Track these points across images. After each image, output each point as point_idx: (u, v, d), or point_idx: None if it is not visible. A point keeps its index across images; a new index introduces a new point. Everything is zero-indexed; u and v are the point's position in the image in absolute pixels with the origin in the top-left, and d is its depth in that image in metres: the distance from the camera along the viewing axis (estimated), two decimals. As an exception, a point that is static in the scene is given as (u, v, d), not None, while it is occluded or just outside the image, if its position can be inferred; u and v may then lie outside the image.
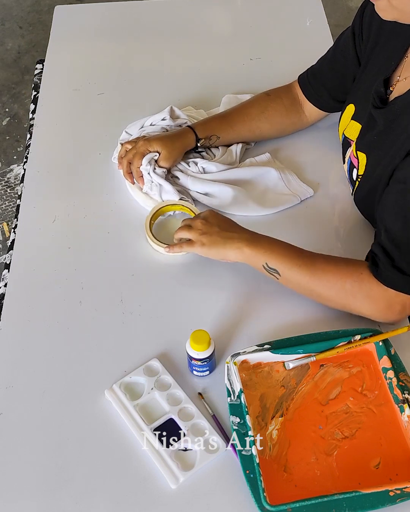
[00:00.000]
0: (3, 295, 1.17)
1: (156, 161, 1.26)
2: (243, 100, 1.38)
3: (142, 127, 1.35)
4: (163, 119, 1.35)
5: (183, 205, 1.23)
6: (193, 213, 1.22)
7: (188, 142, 1.29)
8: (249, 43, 1.61)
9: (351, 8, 3.12)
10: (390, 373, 1.00)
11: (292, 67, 1.40)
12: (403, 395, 0.98)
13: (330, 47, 1.30)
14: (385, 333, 1.04)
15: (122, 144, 1.32)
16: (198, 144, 1.29)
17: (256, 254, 1.07)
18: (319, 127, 1.40)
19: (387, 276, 1.00)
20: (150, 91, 1.48)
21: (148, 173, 1.24)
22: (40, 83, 1.55)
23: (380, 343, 1.03)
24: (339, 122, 1.27)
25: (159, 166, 1.26)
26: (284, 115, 1.34)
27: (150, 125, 1.35)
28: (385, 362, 1.02)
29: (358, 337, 1.04)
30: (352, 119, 1.21)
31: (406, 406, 0.97)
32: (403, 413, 0.97)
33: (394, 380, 1.00)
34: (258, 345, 1.03)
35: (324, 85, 1.30)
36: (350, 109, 1.22)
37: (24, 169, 1.37)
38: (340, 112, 1.27)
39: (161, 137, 1.27)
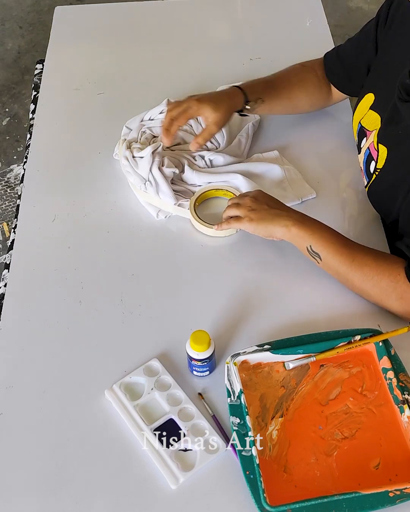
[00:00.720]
0: (3, 295, 1.17)
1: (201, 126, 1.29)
2: None
3: (142, 121, 1.35)
4: (161, 112, 1.34)
5: (228, 190, 1.24)
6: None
7: (237, 104, 1.27)
8: (249, 43, 1.61)
9: (351, 8, 3.12)
10: (390, 374, 1.00)
11: (292, 67, 1.40)
12: (403, 395, 0.98)
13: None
14: (385, 333, 1.04)
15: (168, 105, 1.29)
16: (247, 107, 1.28)
17: (302, 235, 1.09)
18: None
19: None
20: (150, 91, 1.48)
21: (150, 169, 1.23)
22: (40, 83, 1.55)
23: (380, 344, 1.03)
24: (355, 111, 1.25)
25: (208, 132, 1.24)
26: (317, 87, 1.35)
27: (149, 119, 1.35)
28: (385, 362, 1.02)
29: (358, 337, 1.04)
30: (370, 108, 1.19)
31: (406, 406, 0.96)
32: (403, 413, 0.97)
33: (394, 380, 1.00)
34: (258, 345, 1.03)
35: (343, 66, 1.30)
36: (369, 98, 1.20)
37: (24, 169, 1.37)
38: (357, 99, 1.26)
39: (211, 99, 1.24)
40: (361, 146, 1.23)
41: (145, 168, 1.24)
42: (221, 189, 1.25)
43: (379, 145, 1.14)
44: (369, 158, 1.19)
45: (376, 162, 1.16)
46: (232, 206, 1.16)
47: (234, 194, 1.24)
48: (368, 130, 1.19)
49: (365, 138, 1.20)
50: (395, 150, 1.10)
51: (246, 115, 1.32)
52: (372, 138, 1.17)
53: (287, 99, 1.34)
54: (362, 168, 1.23)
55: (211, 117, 1.23)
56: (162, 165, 1.24)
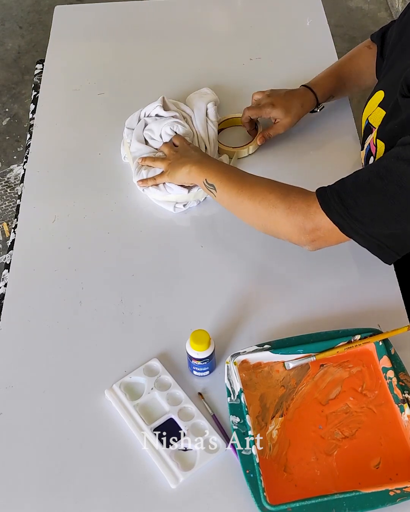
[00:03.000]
0: (3, 295, 1.17)
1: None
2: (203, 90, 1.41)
3: (139, 119, 1.35)
4: (156, 107, 1.34)
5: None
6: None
7: (308, 107, 1.33)
8: (249, 43, 1.61)
9: (351, 8, 3.12)
10: (390, 373, 1.00)
11: (291, 67, 1.40)
12: (403, 395, 0.98)
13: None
14: (385, 333, 1.04)
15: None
16: (318, 110, 1.34)
17: (200, 173, 1.16)
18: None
19: (322, 193, 1.01)
20: (150, 91, 1.47)
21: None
22: (40, 83, 1.55)
23: (380, 343, 1.03)
24: (365, 107, 1.25)
25: (274, 132, 1.33)
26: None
27: (146, 116, 1.35)
28: (385, 362, 1.02)
29: (358, 337, 1.04)
30: (378, 105, 1.19)
31: (406, 406, 0.97)
32: (403, 413, 0.97)
33: (394, 380, 1.00)
34: (258, 345, 1.03)
35: (383, 47, 1.29)
36: (379, 95, 1.20)
37: (24, 169, 1.37)
38: (368, 96, 1.25)
39: (284, 105, 1.31)
40: (365, 142, 1.23)
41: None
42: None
43: (378, 140, 1.14)
44: (368, 154, 1.19)
45: (375, 158, 1.16)
46: (158, 159, 1.25)
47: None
48: (373, 127, 1.19)
49: (370, 135, 1.20)
50: (392, 145, 1.09)
51: (316, 111, 1.37)
52: (375, 134, 1.17)
53: (356, 87, 1.38)
54: (363, 164, 1.23)
55: (281, 120, 1.31)
56: None
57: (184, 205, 1.26)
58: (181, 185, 1.23)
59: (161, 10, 1.70)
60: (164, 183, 1.24)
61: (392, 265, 1.16)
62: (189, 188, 1.23)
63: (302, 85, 1.34)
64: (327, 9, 1.71)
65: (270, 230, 1.09)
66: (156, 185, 1.25)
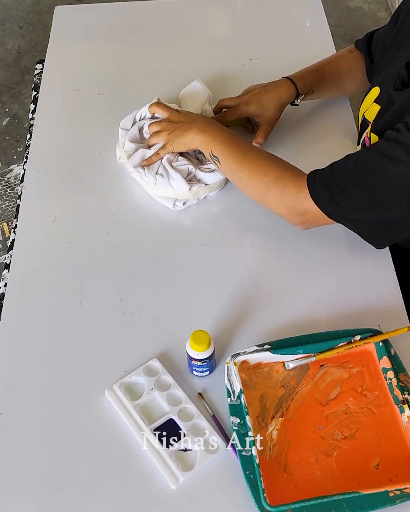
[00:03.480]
0: (3, 295, 1.17)
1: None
2: (195, 88, 1.40)
3: (134, 122, 1.35)
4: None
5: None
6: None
7: (287, 98, 1.32)
8: (249, 43, 1.61)
9: (351, 8, 3.12)
10: (390, 374, 1.00)
11: (292, 67, 1.39)
12: (403, 395, 0.98)
13: None
14: (385, 333, 1.04)
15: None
16: (297, 102, 1.34)
17: (205, 141, 1.19)
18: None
19: (312, 181, 1.07)
20: (150, 91, 1.47)
21: (161, 162, 1.25)
22: (40, 83, 1.55)
23: (380, 344, 1.03)
24: (361, 103, 1.26)
25: (264, 131, 1.31)
26: (363, 73, 1.36)
27: (141, 118, 1.34)
28: (385, 362, 1.02)
29: (358, 337, 1.04)
30: (374, 101, 1.20)
31: (406, 406, 0.96)
32: (403, 413, 0.97)
33: (394, 380, 1.00)
34: (258, 345, 1.03)
35: (370, 52, 1.31)
36: (375, 91, 1.21)
37: (24, 169, 1.37)
38: (364, 92, 1.27)
39: (259, 101, 1.31)
40: (361, 137, 1.24)
41: (156, 163, 1.25)
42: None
43: (371, 134, 1.16)
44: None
45: None
46: (153, 135, 1.26)
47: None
48: (369, 122, 1.20)
49: (365, 130, 1.21)
50: None
51: (297, 105, 1.36)
52: (369, 128, 1.18)
53: (336, 88, 1.38)
54: None
55: (262, 116, 1.32)
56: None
57: (183, 203, 1.25)
58: (185, 179, 1.23)
59: (161, 11, 1.70)
60: (168, 175, 1.23)
61: (392, 265, 1.17)
62: (190, 184, 1.23)
63: (283, 77, 1.35)
64: (327, 9, 1.71)
65: (265, 206, 1.17)
66: (157, 175, 1.24)
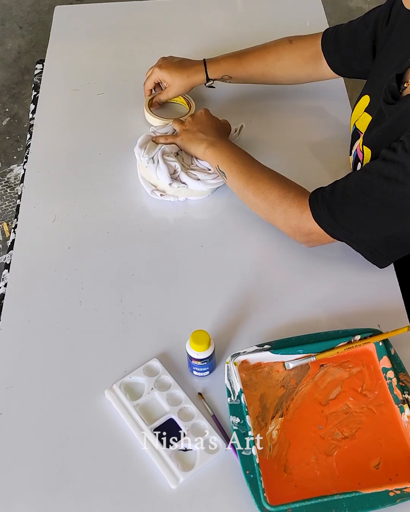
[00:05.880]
0: (3, 295, 1.17)
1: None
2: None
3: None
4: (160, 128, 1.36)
5: (183, 98, 1.43)
6: (188, 106, 1.42)
7: (197, 80, 1.37)
8: (249, 43, 1.60)
9: (351, 8, 3.12)
10: (390, 373, 1.00)
11: (292, 67, 1.39)
12: (403, 395, 0.98)
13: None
14: (385, 333, 1.04)
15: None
16: (206, 85, 1.38)
17: (213, 156, 1.23)
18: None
19: (314, 202, 1.09)
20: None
21: (158, 149, 1.27)
22: (40, 83, 1.55)
23: (380, 343, 1.03)
24: (352, 112, 1.26)
25: (160, 99, 1.40)
26: (300, 66, 1.36)
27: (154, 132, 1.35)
28: (385, 362, 1.02)
29: (358, 337, 1.04)
30: (365, 111, 1.20)
31: (406, 406, 0.96)
32: (403, 413, 0.97)
33: (394, 380, 1.00)
34: (258, 345, 1.03)
35: (339, 47, 1.31)
36: (365, 100, 1.21)
37: (24, 169, 1.37)
38: (355, 101, 1.26)
39: (170, 67, 1.36)
40: (353, 148, 1.23)
41: (155, 149, 1.28)
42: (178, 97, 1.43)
43: (364, 147, 1.16)
44: (356, 160, 1.20)
45: (362, 164, 1.17)
46: (177, 121, 1.31)
47: (187, 103, 1.43)
48: (360, 132, 1.20)
49: (357, 140, 1.21)
50: (377, 151, 1.11)
51: (212, 87, 1.40)
52: (361, 140, 1.18)
53: (260, 76, 1.39)
54: (351, 169, 1.24)
55: (169, 87, 1.38)
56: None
57: (161, 195, 1.27)
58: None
59: (161, 10, 1.70)
60: (157, 164, 1.25)
61: (392, 265, 1.17)
62: (173, 181, 1.24)
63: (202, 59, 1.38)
64: (327, 9, 1.71)
65: (271, 223, 1.18)
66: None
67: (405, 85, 1.08)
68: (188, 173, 1.26)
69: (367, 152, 1.15)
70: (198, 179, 1.25)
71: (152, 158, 1.26)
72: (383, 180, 1.01)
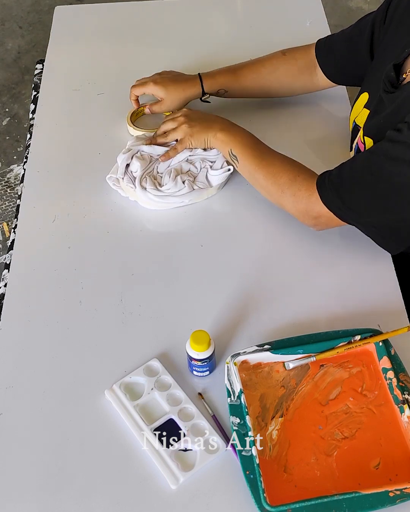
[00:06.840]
0: (3, 295, 1.17)
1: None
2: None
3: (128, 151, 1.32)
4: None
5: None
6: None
7: (192, 94, 1.37)
8: (249, 43, 1.61)
9: (351, 8, 3.12)
10: (390, 374, 1.00)
11: (292, 67, 1.39)
12: (403, 395, 0.98)
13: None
14: (385, 333, 1.04)
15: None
16: (201, 99, 1.38)
17: (226, 140, 1.23)
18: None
19: (322, 185, 1.09)
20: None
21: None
22: (40, 83, 1.55)
23: (380, 344, 1.03)
24: (351, 110, 1.26)
25: (153, 111, 1.39)
26: (295, 76, 1.37)
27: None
28: (385, 362, 1.01)
29: (358, 337, 1.04)
30: (364, 107, 1.20)
31: (406, 406, 0.96)
32: (403, 413, 0.97)
33: (394, 380, 1.00)
34: (258, 345, 1.03)
35: (334, 56, 1.31)
36: (364, 97, 1.21)
37: (24, 169, 1.37)
38: (354, 99, 1.27)
39: (166, 83, 1.35)
40: (353, 143, 1.24)
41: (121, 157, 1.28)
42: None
43: (365, 137, 1.16)
44: (357, 153, 1.20)
45: None
46: (170, 132, 1.28)
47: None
48: (360, 127, 1.21)
49: (357, 135, 1.21)
50: (379, 139, 1.10)
51: (207, 102, 1.39)
52: (361, 132, 1.18)
53: (257, 89, 1.39)
54: None
55: (163, 100, 1.36)
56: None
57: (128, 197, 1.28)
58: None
59: (161, 10, 1.70)
60: (159, 186, 1.24)
61: (392, 265, 1.17)
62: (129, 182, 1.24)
63: (198, 73, 1.38)
64: (327, 9, 1.71)
65: (282, 207, 1.19)
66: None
67: (404, 76, 1.09)
68: (158, 188, 1.24)
69: (369, 142, 1.14)
70: (167, 195, 1.24)
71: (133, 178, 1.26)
72: (389, 161, 1.00)
